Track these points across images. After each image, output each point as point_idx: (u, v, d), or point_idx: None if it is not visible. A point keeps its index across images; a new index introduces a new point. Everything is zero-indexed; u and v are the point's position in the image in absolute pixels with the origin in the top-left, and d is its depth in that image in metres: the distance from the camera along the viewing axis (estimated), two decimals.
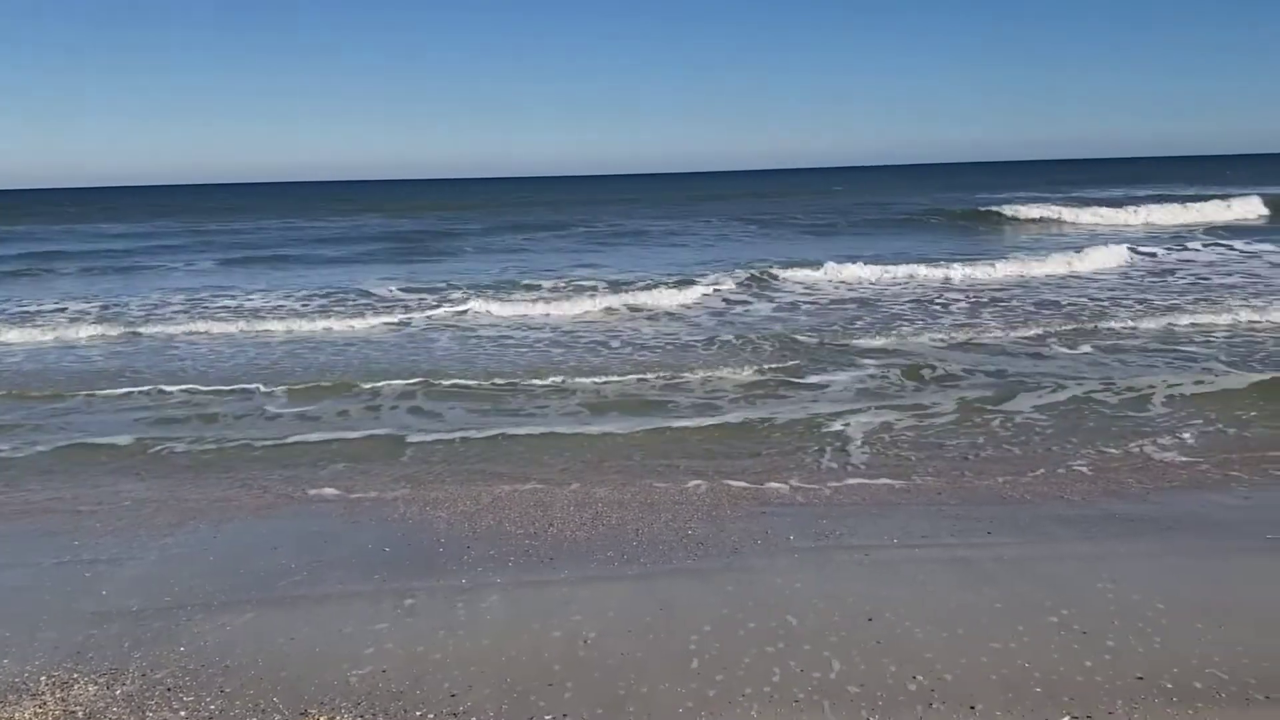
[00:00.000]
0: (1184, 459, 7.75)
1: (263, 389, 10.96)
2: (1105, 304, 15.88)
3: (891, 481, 7.40)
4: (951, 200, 46.28)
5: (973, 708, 4.23)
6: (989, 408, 9.39)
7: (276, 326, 15.61)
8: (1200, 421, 8.73)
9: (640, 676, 4.62)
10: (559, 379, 11.05)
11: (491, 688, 4.56)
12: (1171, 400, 9.45)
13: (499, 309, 16.35)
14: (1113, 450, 8.02)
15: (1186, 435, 8.35)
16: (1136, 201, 36.97)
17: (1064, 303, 16.18)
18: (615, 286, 18.52)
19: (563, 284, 19.28)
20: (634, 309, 16.52)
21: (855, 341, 13.06)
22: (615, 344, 13.60)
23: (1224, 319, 13.59)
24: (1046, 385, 10.19)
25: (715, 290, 17.85)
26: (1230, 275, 18.84)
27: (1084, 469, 7.57)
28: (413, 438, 8.93)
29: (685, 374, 11.22)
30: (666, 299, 16.92)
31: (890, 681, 4.49)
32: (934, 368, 11.23)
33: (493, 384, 10.88)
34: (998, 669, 4.57)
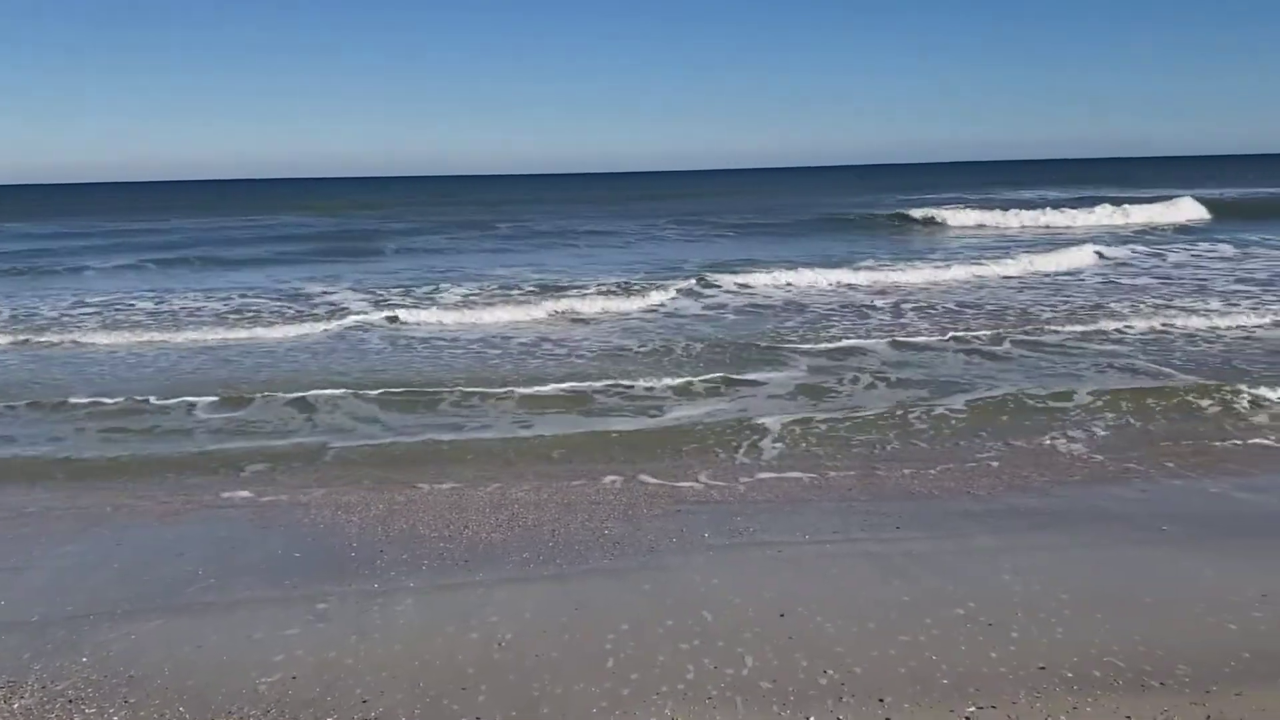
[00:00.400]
0: (1086, 454, 7.96)
1: (178, 398, 10.67)
2: (1039, 305, 16.18)
3: (804, 478, 7.50)
4: (881, 203, 46.68)
5: (882, 700, 4.31)
6: (907, 406, 9.54)
7: (190, 335, 14.84)
8: (1108, 418, 8.97)
9: (555, 677, 4.62)
10: (486, 386, 10.95)
11: (404, 693, 4.52)
12: (1082, 399, 9.69)
13: (428, 315, 15.93)
14: (1020, 445, 8.21)
15: (1091, 432, 8.57)
16: (1074, 204, 37.40)
17: (991, 304, 16.48)
18: (546, 290, 18.30)
19: (495, 288, 19.00)
20: (564, 313, 16.33)
21: (786, 344, 13.14)
22: (547, 347, 13.53)
23: (1150, 322, 13.90)
24: (966, 384, 10.40)
25: (654, 294, 17.72)
26: (1152, 277, 19.37)
27: (991, 464, 7.74)
28: (334, 443, 8.77)
29: (613, 378, 11.20)
30: (599, 304, 16.61)
31: (802, 676, 4.55)
32: (861, 368, 11.36)
33: (417, 390, 10.74)
34: (906, 661, 4.66)
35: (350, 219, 46.61)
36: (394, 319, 15.57)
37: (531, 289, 18.78)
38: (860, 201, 49.93)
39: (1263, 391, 9.45)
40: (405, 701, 4.45)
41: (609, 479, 7.56)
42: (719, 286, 19.11)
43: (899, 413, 9.28)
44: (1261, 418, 8.84)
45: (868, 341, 13.15)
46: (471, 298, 17.90)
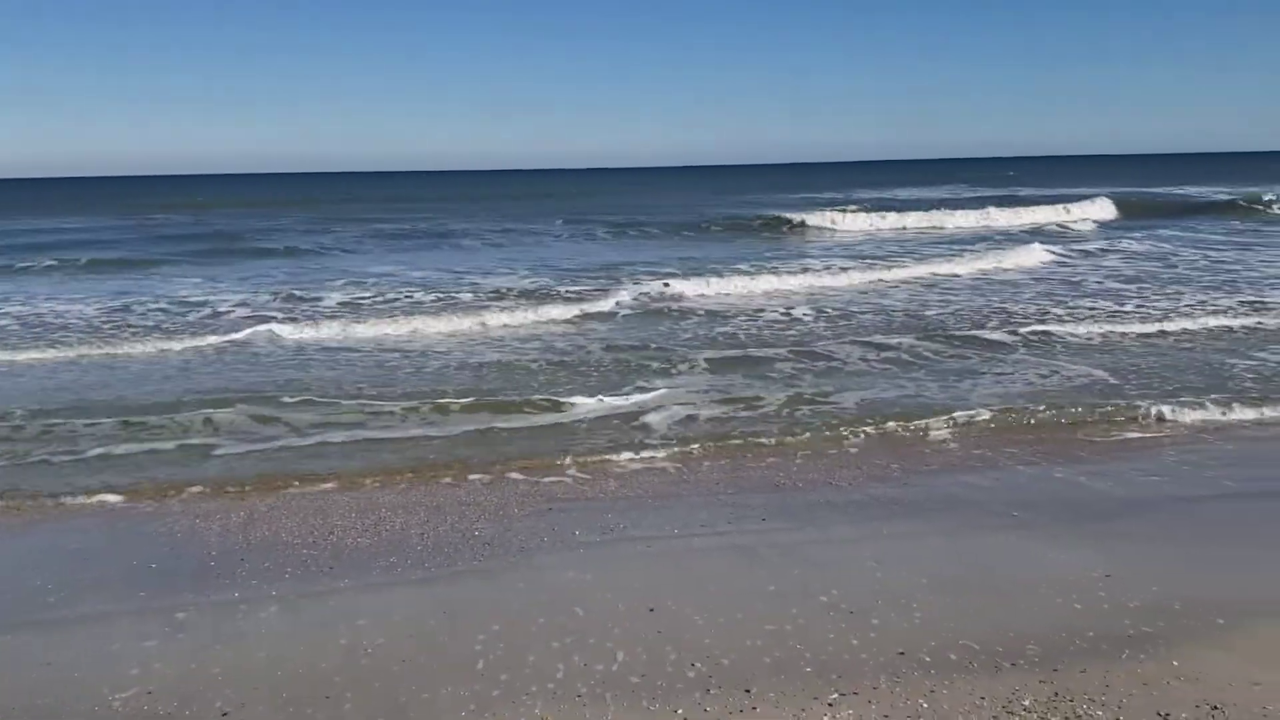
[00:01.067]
0: (941, 445, 8.23)
1: (28, 408, 10.19)
2: (951, 306, 16.52)
3: (674, 474, 7.56)
4: (757, 205, 46.97)
5: (748, 690, 4.39)
6: (791, 404, 9.71)
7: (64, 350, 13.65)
8: (970, 414, 9.29)
9: (423, 682, 4.57)
10: (334, 397, 10.73)
11: (266, 703, 4.42)
12: (953, 394, 10.02)
13: (303, 329, 14.74)
14: (875, 436, 8.45)
15: (950, 425, 8.86)
16: (962, 205, 37.92)
17: (899, 306, 16.83)
18: (443, 296, 17.56)
19: (397, 295, 18.04)
20: (469, 319, 15.36)
21: (683, 348, 13.15)
22: (444, 350, 13.33)
23: (1046, 326, 14.19)
24: (853, 381, 10.64)
25: (562, 300, 16.83)
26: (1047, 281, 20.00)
27: (853, 455, 7.95)
28: (194, 453, 8.48)
29: (506, 382, 11.11)
30: (501, 318, 15.48)
31: (670, 670, 4.60)
32: (760, 370, 11.41)
33: (275, 399, 10.47)
34: (772, 651, 4.75)
35: (236, 216, 44.97)
36: (273, 333, 14.39)
37: (424, 293, 17.99)
38: (732, 203, 50.27)
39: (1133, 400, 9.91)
40: (267, 712, 4.34)
41: (480, 480, 7.49)
42: (622, 289, 18.54)
43: (774, 410, 9.43)
44: (1120, 417, 9.27)
45: (776, 342, 13.32)
46: (354, 305, 17.13)
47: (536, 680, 4.55)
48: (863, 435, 8.50)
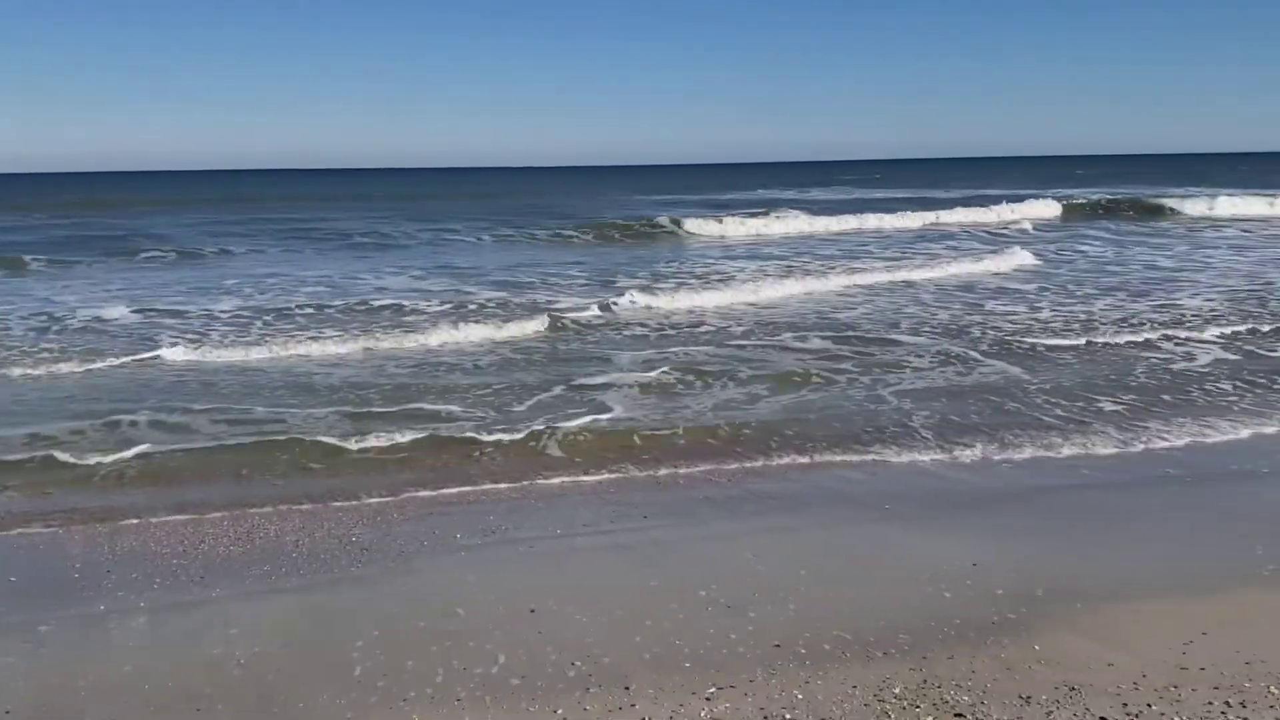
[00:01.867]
0: (813, 441, 8.40)
1: None
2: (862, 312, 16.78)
3: (556, 476, 7.55)
4: (628, 207, 46.97)
5: (627, 688, 4.42)
6: (678, 403, 9.78)
7: None
8: (849, 409, 9.50)
9: (298, 691, 4.49)
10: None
11: (134, 718, 4.28)
12: (840, 392, 10.23)
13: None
14: (754, 435, 8.58)
15: (829, 421, 9.06)
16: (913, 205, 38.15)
17: (811, 312, 17.02)
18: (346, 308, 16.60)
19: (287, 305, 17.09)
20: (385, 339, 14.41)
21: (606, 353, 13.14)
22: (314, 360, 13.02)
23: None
24: (748, 380, 10.76)
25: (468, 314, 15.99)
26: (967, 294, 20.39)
27: (735, 452, 8.06)
28: (55, 466, 8.13)
29: (399, 392, 10.93)
30: (419, 339, 13.56)
31: (550, 670, 4.61)
32: (667, 374, 11.41)
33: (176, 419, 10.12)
34: (651, 647, 4.80)
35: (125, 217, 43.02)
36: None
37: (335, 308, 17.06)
38: (601, 204, 50.24)
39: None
40: None
41: (357, 485, 7.37)
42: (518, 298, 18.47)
43: (660, 410, 9.50)
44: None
45: (693, 347, 13.37)
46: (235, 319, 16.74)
47: (415, 685, 4.51)
48: (742, 433, 8.61)
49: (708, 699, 4.32)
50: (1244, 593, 5.33)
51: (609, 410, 9.37)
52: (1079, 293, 16.98)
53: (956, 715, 4.14)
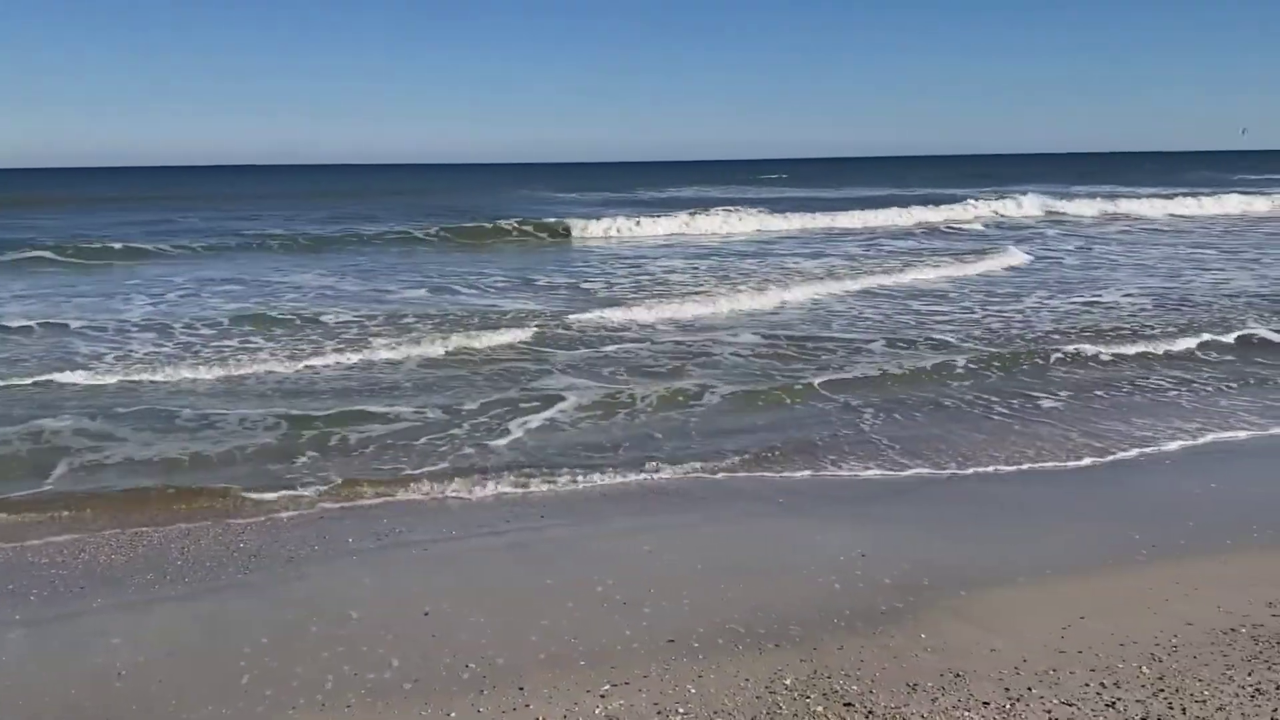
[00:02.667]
0: (712, 438, 8.48)
1: None
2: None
3: (452, 478, 7.46)
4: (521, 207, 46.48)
5: (521, 688, 4.41)
6: (582, 402, 9.76)
7: None
8: (755, 407, 9.60)
9: (182, 703, 4.37)
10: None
11: None
12: (741, 390, 10.33)
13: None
14: (663, 428, 8.62)
15: (739, 417, 9.15)
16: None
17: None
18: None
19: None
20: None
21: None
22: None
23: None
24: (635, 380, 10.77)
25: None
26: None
27: (628, 447, 8.09)
28: None
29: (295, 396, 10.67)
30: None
31: (444, 673, 4.57)
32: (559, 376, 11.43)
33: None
34: (546, 646, 4.79)
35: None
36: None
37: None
38: (505, 201, 49.88)
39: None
40: None
41: (244, 489, 7.19)
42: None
43: (569, 419, 9.48)
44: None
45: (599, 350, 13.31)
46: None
47: (304, 693, 4.43)
48: (645, 432, 8.65)
49: (602, 696, 4.33)
50: (1120, 577, 5.53)
51: (531, 413, 9.32)
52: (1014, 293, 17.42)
53: (845, 704, 4.22)
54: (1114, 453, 7.91)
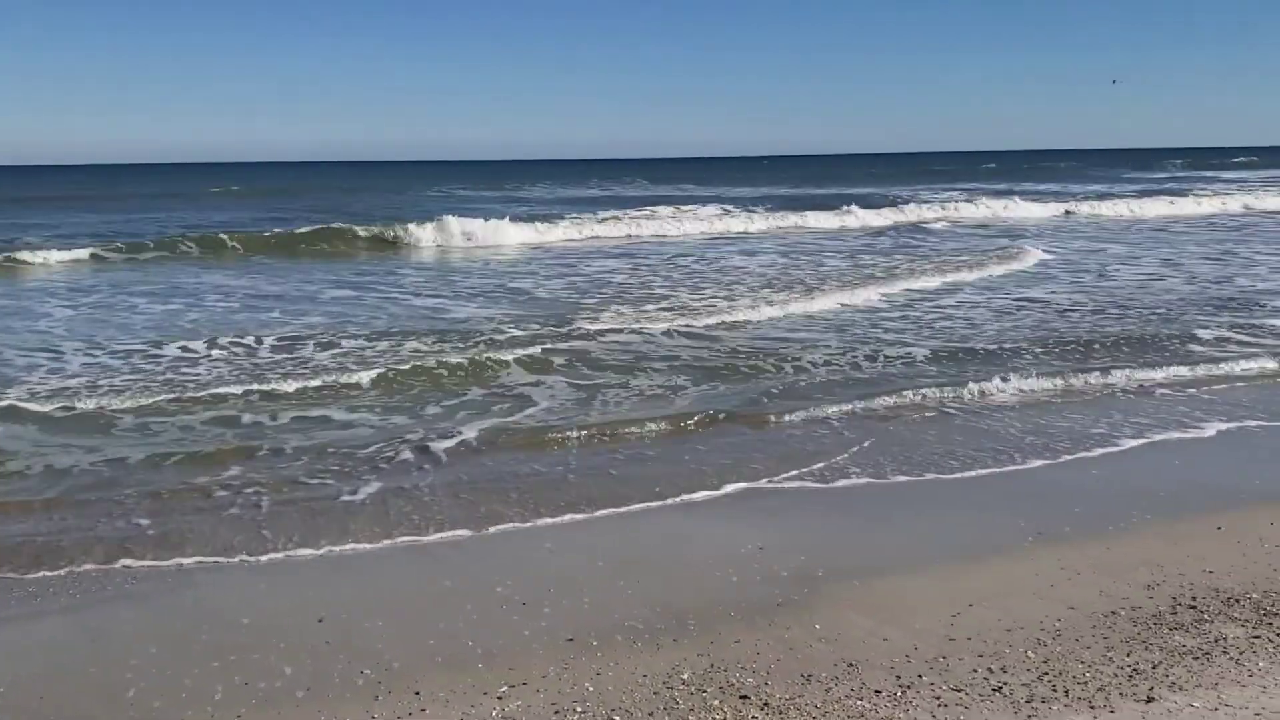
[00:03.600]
0: (611, 432, 8.49)
1: None
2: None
3: (347, 483, 7.35)
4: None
5: (417, 693, 4.36)
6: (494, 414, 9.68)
7: None
8: (629, 405, 9.62)
9: (64, 718, 4.23)
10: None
11: None
12: (632, 388, 10.35)
13: None
14: (554, 431, 8.60)
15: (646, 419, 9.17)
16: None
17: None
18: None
19: None
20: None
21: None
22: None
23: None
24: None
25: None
26: None
27: (533, 451, 8.05)
28: None
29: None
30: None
31: (338, 680, 4.50)
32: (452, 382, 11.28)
33: None
34: (443, 650, 4.75)
35: None
36: None
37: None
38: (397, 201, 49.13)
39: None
40: None
41: (127, 494, 6.99)
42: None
43: (476, 422, 9.40)
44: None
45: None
46: None
47: (193, 704, 4.32)
48: (550, 434, 8.62)
49: (499, 698, 4.31)
50: (1008, 564, 5.69)
51: (444, 416, 9.21)
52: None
53: (742, 697, 4.26)
54: (1005, 448, 8.11)
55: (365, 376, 10.26)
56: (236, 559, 5.95)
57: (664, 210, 35.34)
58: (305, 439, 8.28)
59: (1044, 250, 23.05)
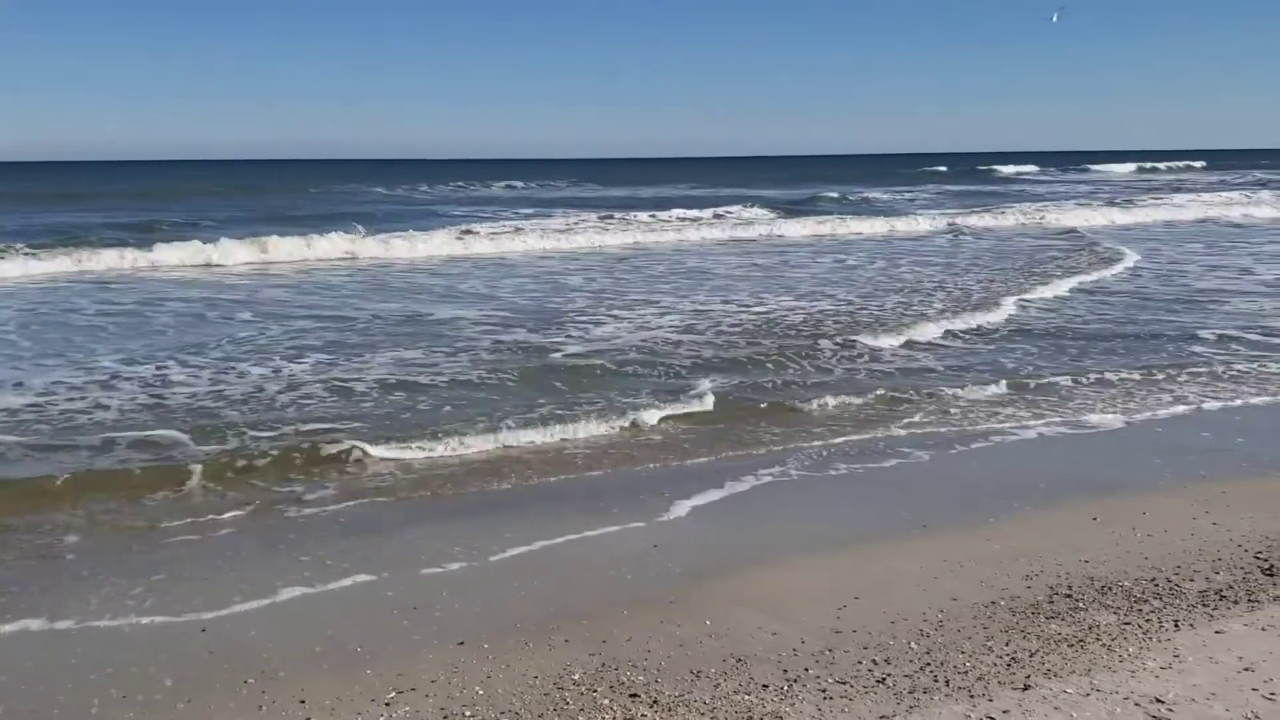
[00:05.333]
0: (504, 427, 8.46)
1: None
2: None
3: (230, 492, 7.19)
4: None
5: (303, 701, 4.28)
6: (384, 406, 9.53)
7: None
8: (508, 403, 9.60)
9: None
10: None
11: None
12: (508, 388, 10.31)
13: None
14: (446, 429, 8.54)
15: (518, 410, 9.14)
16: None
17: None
18: None
19: None
20: None
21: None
22: None
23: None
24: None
25: None
26: None
27: (424, 456, 7.98)
28: None
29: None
30: None
31: (220, 690, 4.40)
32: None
33: None
34: (330, 657, 4.67)
35: None
36: None
37: None
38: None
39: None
40: None
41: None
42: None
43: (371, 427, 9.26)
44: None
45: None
46: None
47: (67, 719, 4.19)
48: (452, 439, 8.54)
49: (387, 704, 4.26)
50: (892, 558, 5.81)
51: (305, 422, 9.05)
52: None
53: (631, 695, 4.28)
54: (895, 446, 8.29)
55: None
56: (118, 565, 5.77)
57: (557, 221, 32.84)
58: None
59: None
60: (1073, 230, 30.05)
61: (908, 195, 49.34)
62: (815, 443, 8.16)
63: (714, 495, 6.95)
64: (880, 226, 31.02)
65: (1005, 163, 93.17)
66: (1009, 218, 33.56)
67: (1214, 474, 7.31)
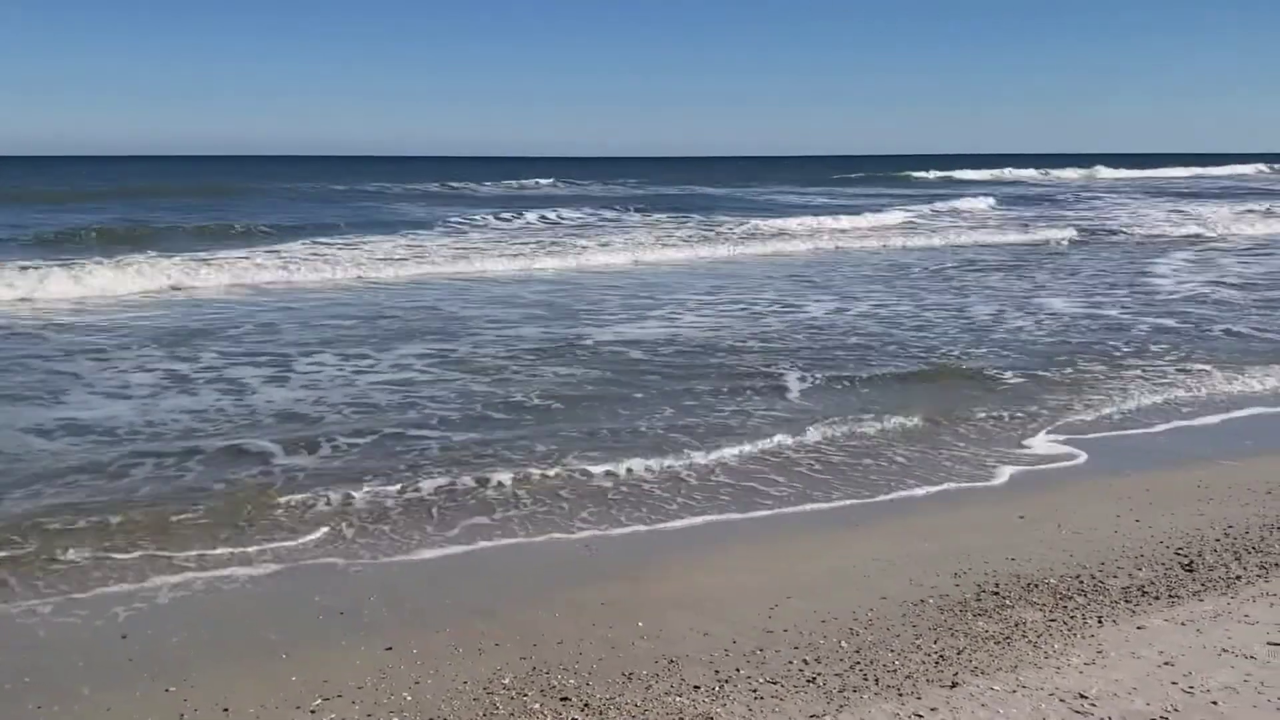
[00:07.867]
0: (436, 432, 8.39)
1: None
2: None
3: (171, 503, 7.02)
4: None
5: (225, 709, 4.20)
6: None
7: None
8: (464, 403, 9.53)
9: None
10: None
11: None
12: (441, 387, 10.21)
13: None
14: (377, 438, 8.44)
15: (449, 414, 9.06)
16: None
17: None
18: None
19: None
20: None
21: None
22: None
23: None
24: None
25: None
26: None
27: (348, 462, 7.87)
28: None
29: None
30: None
31: (140, 698, 4.30)
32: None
33: None
34: (258, 667, 4.57)
35: None
36: None
37: None
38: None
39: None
40: None
41: None
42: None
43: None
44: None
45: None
46: None
47: None
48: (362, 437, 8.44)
49: (313, 712, 4.19)
50: (824, 556, 5.85)
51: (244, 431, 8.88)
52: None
53: (563, 699, 4.26)
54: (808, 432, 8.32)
55: None
56: (34, 571, 5.61)
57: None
58: None
59: None
60: None
61: None
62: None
63: (643, 495, 6.91)
64: None
65: None
66: None
67: (1138, 470, 7.45)
